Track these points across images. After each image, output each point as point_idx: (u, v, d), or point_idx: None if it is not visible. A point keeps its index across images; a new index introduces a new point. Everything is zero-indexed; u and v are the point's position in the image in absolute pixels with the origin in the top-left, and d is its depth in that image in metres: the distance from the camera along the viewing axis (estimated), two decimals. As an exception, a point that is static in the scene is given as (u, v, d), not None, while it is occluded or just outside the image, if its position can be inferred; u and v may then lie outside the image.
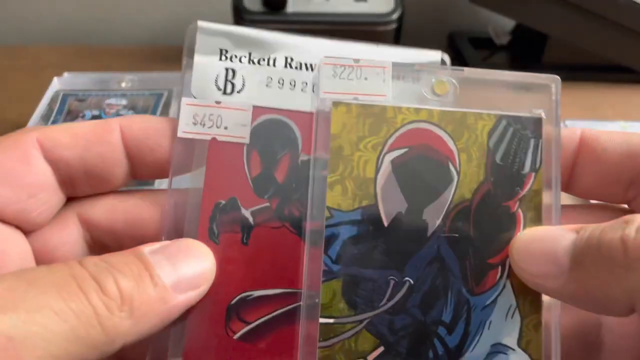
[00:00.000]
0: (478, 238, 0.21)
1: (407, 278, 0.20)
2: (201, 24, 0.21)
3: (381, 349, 0.20)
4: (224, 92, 0.21)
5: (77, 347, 0.15)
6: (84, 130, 0.20)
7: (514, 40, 0.62)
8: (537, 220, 0.21)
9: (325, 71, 0.20)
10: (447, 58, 0.22)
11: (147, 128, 0.21)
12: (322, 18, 0.56)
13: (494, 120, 0.21)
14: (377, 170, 0.20)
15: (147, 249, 0.18)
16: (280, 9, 0.56)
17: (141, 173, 0.22)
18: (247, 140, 0.21)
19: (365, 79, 0.20)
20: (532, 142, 0.21)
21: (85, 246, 0.21)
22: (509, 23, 0.63)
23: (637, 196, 0.21)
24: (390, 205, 0.20)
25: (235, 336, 0.20)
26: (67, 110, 0.41)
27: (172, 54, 0.63)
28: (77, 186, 0.21)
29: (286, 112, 0.22)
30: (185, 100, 0.21)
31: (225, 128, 0.21)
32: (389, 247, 0.20)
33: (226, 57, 0.22)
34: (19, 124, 0.41)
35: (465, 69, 0.21)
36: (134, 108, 0.41)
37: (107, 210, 0.21)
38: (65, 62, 0.59)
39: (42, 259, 0.20)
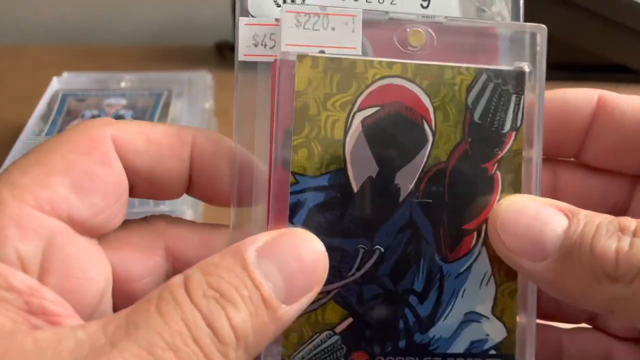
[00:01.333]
0: (453, 203, 0.19)
1: (377, 246, 0.19)
2: None
3: (350, 320, 0.19)
4: None
5: None
6: (159, 137, 0.19)
7: (514, 40, 0.62)
8: (516, 183, 0.20)
9: (288, 20, 0.18)
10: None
11: (217, 154, 0.19)
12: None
13: (474, 74, 0.19)
14: (346, 132, 0.19)
15: (251, 250, 0.16)
16: (280, 9, 0.56)
17: (194, 193, 0.20)
18: None
19: (333, 29, 0.18)
20: (513, 98, 0.19)
21: (164, 278, 0.20)
22: (509, 23, 0.63)
23: None
24: (359, 170, 0.19)
25: None
26: (67, 110, 0.41)
27: (172, 54, 0.63)
28: (134, 193, 0.19)
29: None
30: (243, 20, 0.19)
31: None
32: (358, 214, 0.19)
33: None
34: (18, 124, 0.41)
35: (445, 18, 0.19)
36: (133, 108, 0.41)
37: (198, 246, 0.20)
38: (64, 62, 0.59)
39: (120, 287, 0.19)
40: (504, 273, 0.20)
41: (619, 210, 0.21)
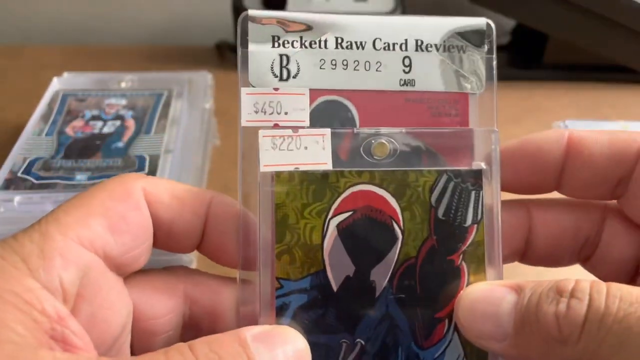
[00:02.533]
0: (424, 294, 0.21)
1: (358, 339, 0.21)
2: (252, 12, 0.22)
3: None
4: (281, 79, 0.22)
5: None
6: (181, 194, 0.21)
7: (514, 40, 0.62)
8: (481, 271, 0.21)
9: (265, 144, 0.21)
10: (492, 25, 0.23)
11: (229, 217, 0.21)
12: (322, 18, 0.56)
13: (435, 175, 0.21)
14: (324, 236, 0.21)
15: (249, 335, 0.18)
16: (280, 9, 0.56)
17: (204, 250, 0.22)
18: (307, 123, 0.22)
19: (305, 148, 0.21)
20: (472, 194, 0.21)
21: (181, 320, 0.21)
22: (509, 23, 0.63)
23: (624, 193, 0.22)
24: (338, 270, 0.21)
25: None
26: (67, 110, 0.41)
27: (172, 54, 0.63)
28: (153, 243, 0.21)
29: (341, 92, 0.22)
30: (244, 90, 0.22)
31: (286, 113, 0.22)
32: (340, 312, 0.21)
33: (279, 44, 0.22)
34: (19, 124, 0.41)
35: (405, 129, 0.22)
36: (133, 108, 0.41)
37: (212, 293, 0.21)
38: (65, 62, 0.59)
39: (138, 324, 0.20)
40: (475, 354, 0.21)
41: (591, 244, 0.23)
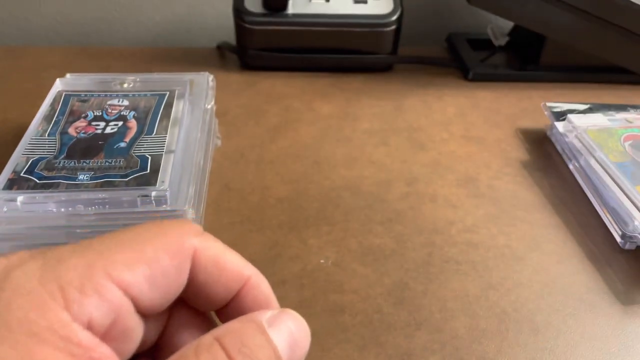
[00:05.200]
0: None
1: None
2: None
3: None
4: None
5: None
6: (227, 266, 0.21)
7: (512, 42, 0.63)
8: None
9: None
10: None
11: (258, 303, 0.22)
12: (322, 19, 0.57)
13: None
14: (624, 150, 0.43)
15: (264, 321, 0.20)
16: (281, 11, 0.56)
17: (220, 316, 0.23)
18: None
19: None
20: None
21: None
22: (507, 24, 0.64)
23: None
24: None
25: None
26: (70, 110, 0.42)
27: (174, 56, 0.63)
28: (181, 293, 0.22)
29: None
30: None
31: None
32: None
33: None
34: (22, 124, 0.41)
35: None
36: (135, 109, 0.42)
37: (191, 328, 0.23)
38: (67, 63, 0.60)
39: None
40: None
41: None
